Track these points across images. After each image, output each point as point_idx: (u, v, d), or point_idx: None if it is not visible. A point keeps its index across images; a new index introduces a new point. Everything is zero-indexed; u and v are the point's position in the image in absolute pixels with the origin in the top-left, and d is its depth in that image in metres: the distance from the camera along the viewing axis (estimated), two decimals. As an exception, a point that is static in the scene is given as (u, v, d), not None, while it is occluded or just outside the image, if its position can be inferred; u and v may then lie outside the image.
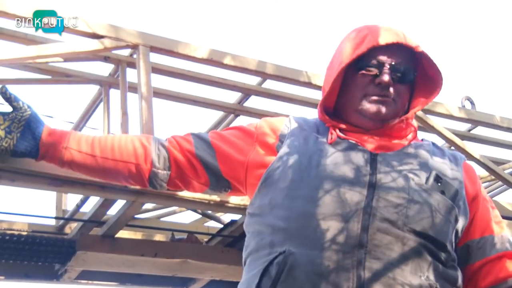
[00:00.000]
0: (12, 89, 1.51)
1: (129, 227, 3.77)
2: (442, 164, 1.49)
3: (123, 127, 3.05)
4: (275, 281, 1.33)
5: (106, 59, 3.15)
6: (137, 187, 2.33)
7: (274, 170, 1.46)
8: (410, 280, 1.32)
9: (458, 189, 1.46)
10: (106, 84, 3.37)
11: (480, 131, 4.19)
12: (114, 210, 3.37)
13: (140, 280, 4.14)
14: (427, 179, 1.43)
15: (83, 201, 3.61)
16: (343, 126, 1.51)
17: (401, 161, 1.46)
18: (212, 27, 18.37)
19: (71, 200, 3.94)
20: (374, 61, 1.48)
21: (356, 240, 1.33)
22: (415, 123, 1.58)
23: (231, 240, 3.79)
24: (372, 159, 1.44)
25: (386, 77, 1.46)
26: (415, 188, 1.40)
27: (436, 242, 1.38)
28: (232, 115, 3.84)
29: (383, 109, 1.48)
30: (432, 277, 1.36)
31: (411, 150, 1.50)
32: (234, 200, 3.11)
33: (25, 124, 1.48)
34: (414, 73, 1.52)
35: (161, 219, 4.25)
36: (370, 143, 1.48)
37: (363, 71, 1.49)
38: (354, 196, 1.37)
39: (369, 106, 1.48)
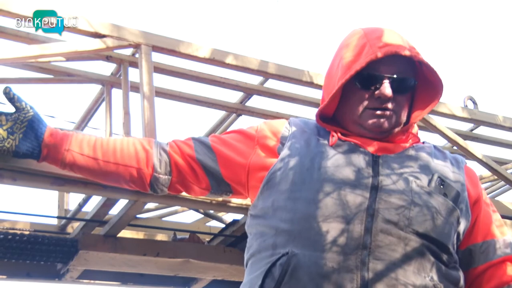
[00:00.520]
0: (14, 88, 1.51)
1: (131, 226, 3.77)
2: (443, 167, 1.49)
3: (125, 126, 3.05)
4: (278, 282, 1.33)
5: (108, 58, 3.15)
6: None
7: (276, 172, 1.46)
8: (413, 280, 1.32)
9: (459, 191, 1.46)
10: (108, 83, 3.37)
11: (482, 131, 4.19)
12: (116, 210, 3.37)
13: (142, 279, 4.14)
14: (430, 181, 1.43)
15: (85, 201, 3.61)
16: (343, 131, 1.51)
17: (403, 163, 1.45)
18: (214, 27, 18.38)
19: (73, 199, 3.94)
20: (373, 73, 1.46)
21: (359, 241, 1.33)
22: (416, 128, 1.57)
23: (233, 240, 3.79)
24: (374, 161, 1.44)
25: (386, 90, 1.45)
26: (416, 190, 1.40)
27: (438, 243, 1.38)
28: (234, 115, 3.84)
29: (384, 123, 1.47)
30: (436, 277, 1.36)
31: (412, 152, 1.50)
32: (236, 200, 3.10)
33: (28, 125, 1.48)
34: (415, 82, 1.51)
35: (163, 218, 4.25)
36: (372, 145, 1.48)
37: (363, 84, 1.47)
38: (356, 198, 1.37)
39: (369, 120, 1.47)
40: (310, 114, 3.89)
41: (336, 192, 1.38)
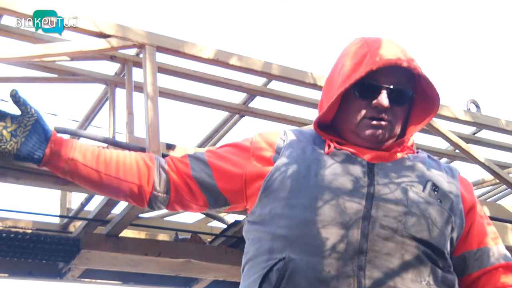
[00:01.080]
0: (19, 87, 1.52)
1: (133, 226, 3.78)
2: (438, 176, 1.51)
3: (128, 126, 3.05)
4: (275, 287, 1.34)
5: (113, 58, 3.16)
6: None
7: (273, 180, 1.47)
8: (409, 285, 1.34)
9: (454, 200, 1.47)
10: (112, 83, 3.37)
11: (485, 134, 4.19)
12: (118, 209, 3.39)
13: (143, 279, 4.15)
14: (424, 188, 1.45)
15: (87, 200, 3.62)
16: (338, 140, 1.52)
17: (399, 172, 1.47)
18: (218, 28, 18.40)
19: (76, 198, 3.96)
20: (372, 83, 1.47)
21: (356, 247, 1.34)
22: (411, 140, 1.58)
23: (234, 241, 3.80)
24: (370, 169, 1.45)
25: (383, 100, 1.46)
26: (413, 198, 1.41)
27: (435, 248, 1.40)
28: (237, 116, 3.85)
29: (380, 134, 1.48)
30: (432, 282, 1.37)
31: (407, 161, 1.52)
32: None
33: (31, 129, 1.48)
34: (412, 94, 1.52)
35: (165, 218, 4.26)
36: (367, 153, 1.49)
37: (361, 93, 1.49)
38: (354, 205, 1.38)
39: (365, 130, 1.48)
40: (313, 115, 3.90)
41: (334, 199, 1.39)
